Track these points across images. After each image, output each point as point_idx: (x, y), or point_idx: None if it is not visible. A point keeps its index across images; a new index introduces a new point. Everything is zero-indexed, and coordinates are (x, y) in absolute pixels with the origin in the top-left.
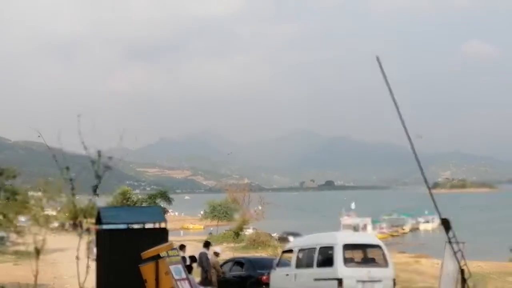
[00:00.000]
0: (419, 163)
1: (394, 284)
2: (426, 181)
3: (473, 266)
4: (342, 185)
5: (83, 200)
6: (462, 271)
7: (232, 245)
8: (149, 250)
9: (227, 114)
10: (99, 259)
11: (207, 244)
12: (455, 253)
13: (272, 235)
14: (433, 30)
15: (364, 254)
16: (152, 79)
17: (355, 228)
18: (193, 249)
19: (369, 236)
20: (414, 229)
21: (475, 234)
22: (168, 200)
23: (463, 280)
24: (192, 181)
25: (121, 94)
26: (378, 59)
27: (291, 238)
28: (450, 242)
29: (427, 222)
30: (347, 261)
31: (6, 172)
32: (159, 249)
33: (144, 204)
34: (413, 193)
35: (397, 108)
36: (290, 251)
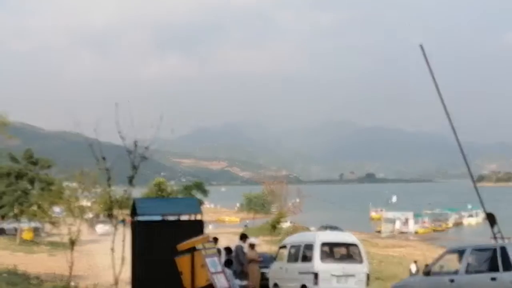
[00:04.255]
0: (464, 155)
1: (368, 278)
2: (471, 174)
3: None
4: (384, 178)
5: (118, 191)
6: None
7: (268, 238)
8: (185, 242)
9: (263, 103)
10: (134, 251)
11: (243, 237)
12: None
13: (310, 228)
14: (478, 17)
15: (341, 252)
16: (188, 68)
17: (400, 221)
18: (228, 242)
19: (347, 235)
20: (458, 224)
21: None
22: (204, 192)
23: None
24: (228, 172)
25: (157, 84)
26: (422, 47)
27: (331, 231)
28: (495, 238)
29: (471, 216)
30: (323, 257)
31: (40, 162)
32: (195, 241)
33: (179, 196)
34: (457, 186)
35: (441, 97)
36: (285, 247)
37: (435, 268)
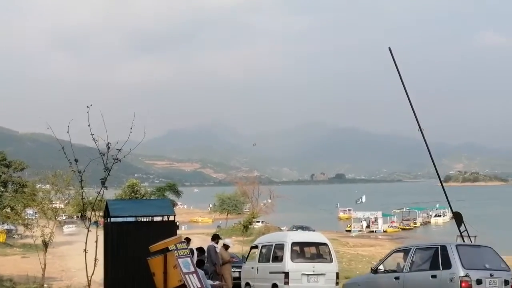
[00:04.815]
0: (431, 155)
1: (337, 277)
2: (438, 174)
3: None
4: (353, 178)
5: (91, 193)
6: None
7: (241, 238)
8: (157, 243)
9: (236, 105)
10: (107, 252)
11: (215, 237)
12: None
13: (282, 228)
14: (446, 20)
15: (311, 251)
16: (161, 70)
17: (366, 221)
18: (201, 242)
19: (317, 234)
20: (426, 223)
21: (488, 228)
22: (177, 193)
23: None
24: (201, 173)
25: (130, 86)
26: (390, 50)
27: (302, 231)
28: (461, 236)
29: (439, 216)
30: (294, 256)
31: (13, 164)
32: (167, 242)
33: (152, 197)
34: (425, 186)
35: (409, 98)
36: (256, 247)
37: (382, 266)
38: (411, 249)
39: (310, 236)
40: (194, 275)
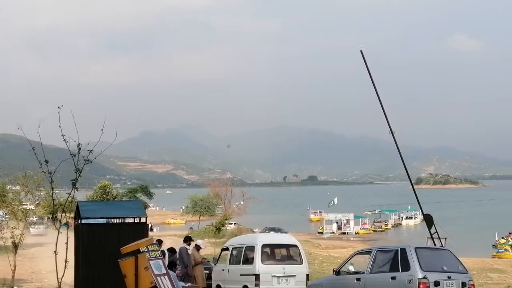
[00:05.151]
0: (402, 158)
1: (307, 278)
2: (409, 177)
3: None
4: (326, 180)
5: (62, 194)
6: None
7: (213, 240)
8: (128, 245)
9: (209, 107)
10: (78, 254)
11: (187, 239)
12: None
13: (254, 230)
14: (417, 24)
15: (282, 253)
16: (133, 72)
17: (338, 223)
18: (173, 244)
19: (287, 236)
20: (397, 225)
21: (458, 230)
22: (149, 195)
23: None
24: (173, 175)
25: (101, 88)
26: (362, 52)
27: (272, 233)
28: (432, 238)
29: (410, 218)
30: (264, 258)
31: None
32: (139, 244)
33: (124, 199)
34: (396, 188)
35: (380, 100)
36: (227, 249)
37: (345, 268)
38: (372, 251)
39: (281, 238)
40: (166, 277)
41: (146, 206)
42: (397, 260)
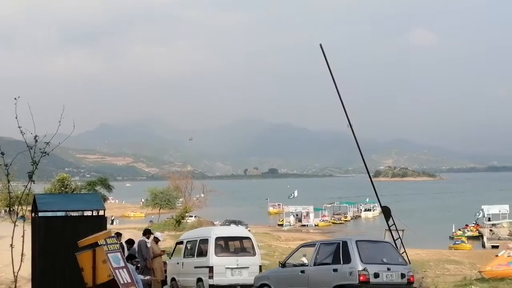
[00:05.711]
0: (361, 151)
1: (260, 270)
2: (367, 169)
3: (412, 253)
4: (286, 172)
5: (19, 187)
6: None
7: (173, 233)
8: (86, 238)
9: (170, 100)
10: (35, 247)
11: (146, 232)
12: (394, 240)
13: (215, 222)
14: (378, 19)
15: (235, 245)
16: (94, 64)
17: (297, 216)
18: (133, 237)
19: (240, 229)
20: (356, 217)
21: (416, 222)
22: (108, 188)
23: None
24: (133, 168)
25: (62, 80)
26: (321, 46)
27: (232, 226)
28: (389, 230)
29: (368, 210)
30: (218, 251)
31: None
32: (96, 237)
33: (83, 192)
34: (355, 181)
35: (339, 94)
36: (182, 242)
37: (291, 260)
38: (316, 244)
39: (234, 231)
40: (124, 269)
41: (105, 199)
42: (339, 253)
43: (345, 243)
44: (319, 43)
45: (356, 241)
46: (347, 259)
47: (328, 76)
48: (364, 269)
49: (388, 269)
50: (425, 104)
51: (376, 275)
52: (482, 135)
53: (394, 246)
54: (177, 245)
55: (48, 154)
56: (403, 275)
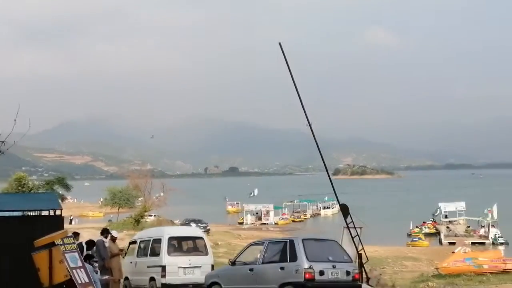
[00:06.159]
0: (319, 149)
1: (212, 269)
2: (326, 167)
3: (371, 250)
4: (246, 171)
5: None
6: (359, 256)
7: (132, 232)
8: (42, 238)
9: (130, 99)
10: None
11: (104, 232)
12: (352, 238)
13: (174, 221)
14: (342, 17)
15: (188, 245)
16: (51, 62)
17: (257, 214)
18: (91, 237)
19: (193, 229)
20: (315, 215)
21: (374, 219)
22: (67, 187)
23: (361, 265)
24: (92, 167)
25: (18, 79)
26: (280, 45)
27: (192, 225)
28: (348, 227)
29: (328, 208)
30: (171, 251)
31: None
32: (53, 236)
33: (40, 191)
34: (315, 179)
35: (298, 93)
36: (135, 242)
37: (240, 258)
38: (264, 243)
39: (187, 230)
40: (82, 269)
41: (63, 199)
42: (286, 251)
43: (292, 242)
44: (279, 42)
45: (303, 240)
46: (294, 257)
47: (289, 75)
48: (310, 267)
49: (334, 266)
50: (383, 104)
51: (322, 273)
52: (440, 134)
53: (340, 244)
54: (131, 245)
55: (3, 153)
56: (348, 273)
